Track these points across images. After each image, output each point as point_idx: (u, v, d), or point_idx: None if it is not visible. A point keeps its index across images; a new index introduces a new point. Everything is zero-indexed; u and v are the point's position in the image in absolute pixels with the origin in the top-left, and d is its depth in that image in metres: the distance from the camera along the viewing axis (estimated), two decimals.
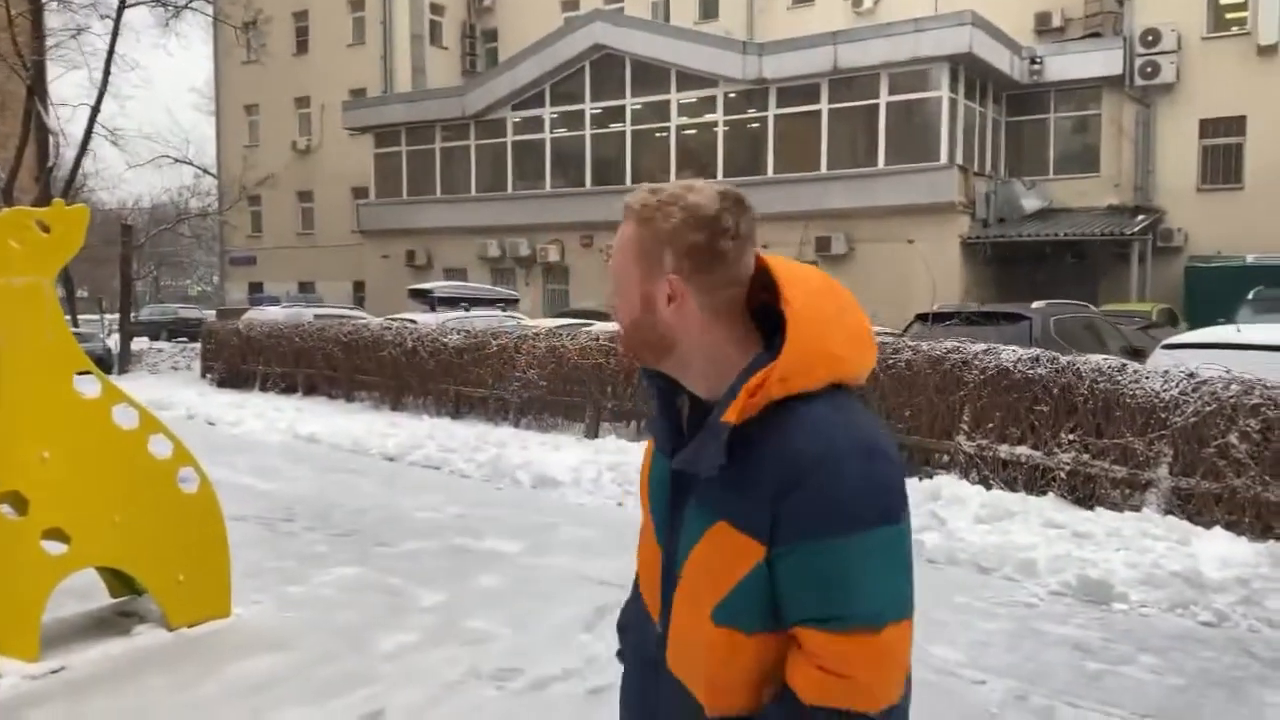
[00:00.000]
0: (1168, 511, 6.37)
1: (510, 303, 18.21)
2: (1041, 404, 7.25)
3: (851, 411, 1.24)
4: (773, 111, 23.42)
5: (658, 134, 25.16)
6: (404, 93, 31.39)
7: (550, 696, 3.95)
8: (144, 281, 40.78)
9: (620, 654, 1.59)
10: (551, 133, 26.71)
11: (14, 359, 4.32)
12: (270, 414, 12.89)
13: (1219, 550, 5.45)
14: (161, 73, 47.59)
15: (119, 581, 5.10)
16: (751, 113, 23.89)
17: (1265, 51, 21.17)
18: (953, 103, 21.34)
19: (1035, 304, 9.86)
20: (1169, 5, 22.00)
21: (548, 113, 26.73)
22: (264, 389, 15.99)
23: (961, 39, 20.66)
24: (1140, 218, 21.68)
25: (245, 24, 27.62)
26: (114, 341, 24.77)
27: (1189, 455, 6.50)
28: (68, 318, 20.55)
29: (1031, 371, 7.33)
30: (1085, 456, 6.95)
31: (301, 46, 35.72)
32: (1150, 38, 21.98)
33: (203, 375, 18.34)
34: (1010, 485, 7.24)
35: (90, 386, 4.62)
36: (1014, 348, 7.64)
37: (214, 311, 32.30)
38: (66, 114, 43.70)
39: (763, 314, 1.32)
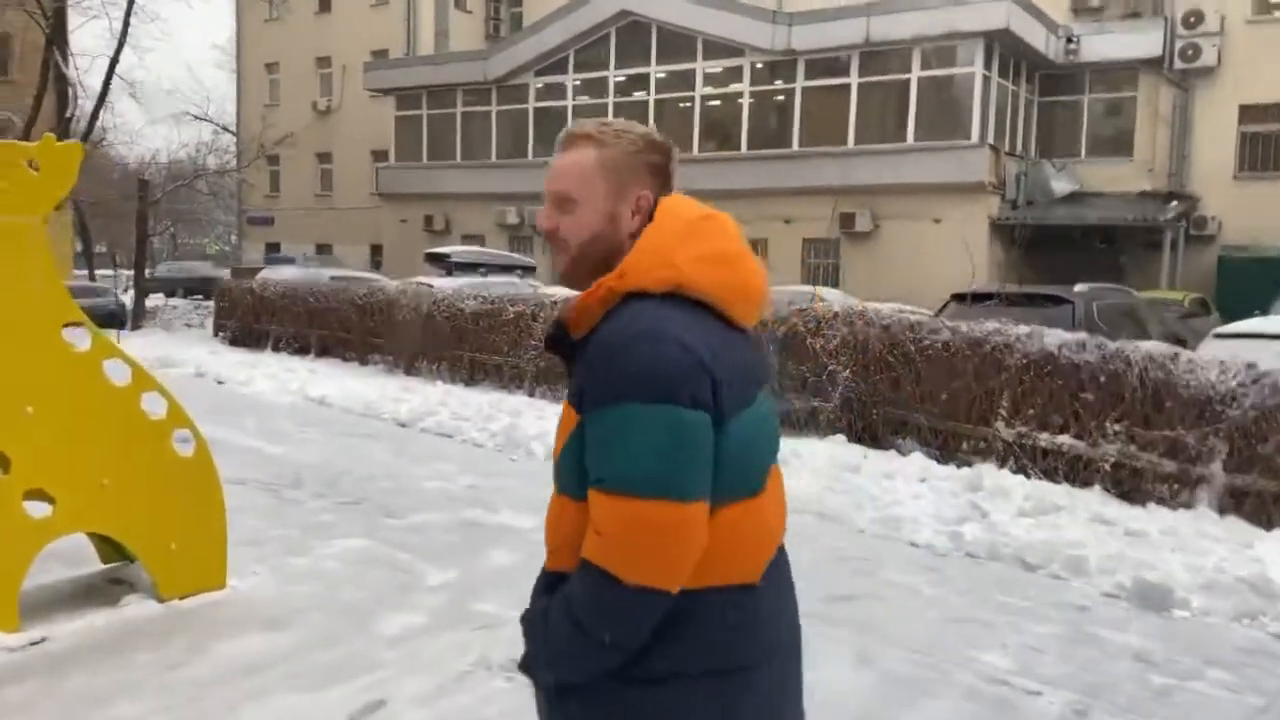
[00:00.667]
0: (1222, 510, 6.00)
1: (527, 269, 17.87)
2: (1087, 391, 6.87)
3: (671, 314, 1.36)
4: (800, 84, 22.87)
5: (682, 104, 24.64)
6: (427, 55, 30.92)
7: None
8: (161, 238, 40.53)
9: None
10: (574, 100, 26.22)
11: None
12: (281, 375, 12.62)
13: None
14: (183, 28, 47.22)
15: (109, 547, 4.81)
16: (778, 84, 23.34)
17: None
18: (986, 80, 20.77)
19: (1077, 287, 9.47)
20: None
21: (571, 79, 26.23)
22: (276, 349, 15.72)
23: (999, 14, 20.05)
24: (1174, 204, 21.11)
25: None
26: (128, 297, 24.56)
27: (1245, 451, 6.13)
28: (83, 271, 20.36)
29: (1078, 357, 6.95)
30: (1132, 448, 6.58)
31: (324, 5, 35.20)
32: (1192, 19, 21.32)
33: (215, 333, 18.08)
34: (1049, 475, 6.89)
35: (80, 339, 4.30)
36: (1058, 331, 7.26)
37: (229, 270, 32.03)
38: (85, 64, 43.37)
39: None
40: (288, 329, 15.82)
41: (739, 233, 1.51)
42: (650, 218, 1.46)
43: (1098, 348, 6.91)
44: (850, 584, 4.96)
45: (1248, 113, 21.32)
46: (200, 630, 4.16)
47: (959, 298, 9.55)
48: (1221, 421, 6.22)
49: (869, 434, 8.01)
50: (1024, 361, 7.19)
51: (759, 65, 23.32)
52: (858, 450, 7.35)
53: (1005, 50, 21.15)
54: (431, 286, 14.25)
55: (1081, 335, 7.09)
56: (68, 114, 24.03)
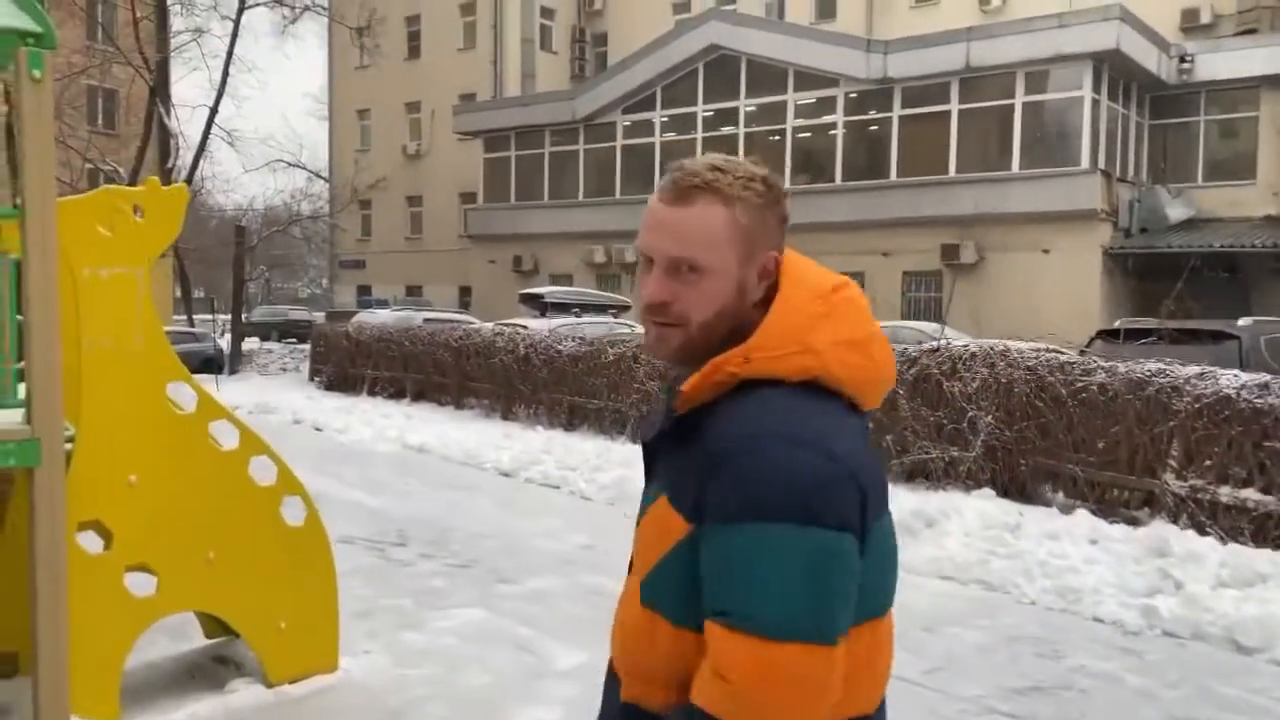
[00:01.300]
0: None
1: (622, 309, 17.48)
2: (1273, 439, 6.10)
3: (812, 409, 1.15)
4: (897, 112, 22.23)
5: (772, 137, 24.18)
6: (514, 97, 31.11)
7: None
8: (256, 283, 41.47)
9: None
10: (661, 136, 25.98)
11: (99, 365, 3.66)
12: (379, 421, 12.38)
13: None
14: (277, 78, 48.62)
15: (214, 621, 4.43)
16: (874, 114, 22.75)
17: None
18: (1095, 103, 19.87)
19: (1242, 320, 8.65)
20: None
21: (658, 116, 26.02)
22: (372, 394, 15.58)
23: (1108, 35, 19.20)
24: None
25: (359, 28, 27.63)
26: (225, 342, 24.93)
27: None
28: (182, 317, 20.65)
29: (1261, 400, 6.19)
30: None
31: (413, 51, 35.80)
32: None
33: (311, 378, 18.09)
34: (1232, 535, 6.12)
35: (186, 400, 3.95)
36: (1235, 372, 6.51)
37: (323, 314, 32.47)
38: (185, 115, 44.82)
39: None
40: (383, 373, 15.68)
41: (869, 306, 1.27)
42: (774, 281, 1.23)
43: None
44: (1037, 671, 4.32)
45: None
46: None
47: (1108, 334, 8.79)
48: None
49: (1015, 486, 7.32)
50: (1195, 406, 6.45)
51: (853, 95, 22.77)
52: (1011, 507, 6.66)
53: (1115, 72, 20.24)
54: (526, 328, 13.94)
55: (1264, 376, 6.34)
56: (169, 164, 24.62)
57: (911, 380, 7.94)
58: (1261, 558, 5.38)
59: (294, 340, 33.53)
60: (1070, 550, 5.61)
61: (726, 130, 24.78)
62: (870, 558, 1.15)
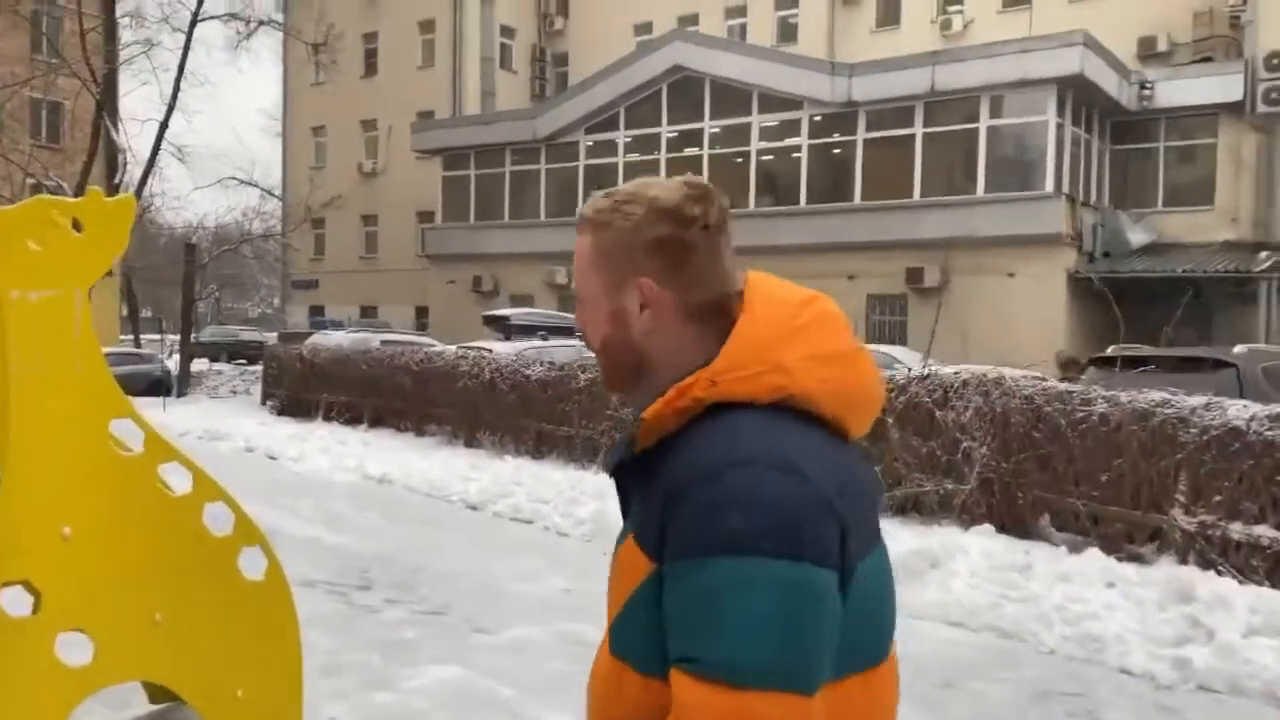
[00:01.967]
0: None
1: None
2: None
3: (786, 430, 1.05)
4: (862, 135, 22.15)
5: (737, 159, 24.00)
6: (474, 115, 30.69)
7: None
8: (206, 303, 40.46)
9: None
10: (625, 156, 25.70)
11: (27, 402, 3.18)
12: (335, 448, 11.84)
13: None
14: (230, 94, 47.73)
15: (161, 687, 3.94)
16: (838, 136, 22.66)
17: None
18: (1059, 128, 19.92)
19: (1237, 348, 8.47)
20: None
21: (621, 136, 25.74)
22: (328, 419, 14.99)
23: (1072, 61, 19.28)
24: (1264, 254, 19.97)
25: (316, 44, 27.07)
26: (174, 363, 24.12)
27: None
28: (128, 337, 19.93)
29: (1272, 433, 5.94)
30: None
31: (370, 68, 35.25)
32: (1276, 61, 20.38)
33: (263, 402, 17.43)
34: (1245, 574, 5.84)
35: (132, 438, 3.47)
36: (1245, 402, 6.26)
37: (275, 335, 31.68)
38: (134, 129, 43.85)
39: None
40: (339, 397, 15.11)
41: (847, 321, 1.17)
42: (666, 308, 1.15)
43: None
44: None
45: None
46: None
47: (1100, 362, 8.56)
48: None
49: (1014, 521, 7.01)
50: (1203, 438, 6.18)
51: (817, 118, 22.67)
52: (1016, 545, 6.35)
53: (1078, 97, 20.32)
54: (491, 351, 13.48)
55: (1276, 408, 6.09)
56: (116, 180, 23.83)
57: (901, 408, 7.62)
58: None
59: (244, 362, 32.69)
60: (1086, 594, 5.29)
61: (690, 152, 24.56)
62: (857, 599, 1.04)
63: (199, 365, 26.98)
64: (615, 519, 4.77)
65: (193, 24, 23.67)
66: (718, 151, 24.20)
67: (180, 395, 21.20)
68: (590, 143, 26.31)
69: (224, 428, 13.79)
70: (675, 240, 1.14)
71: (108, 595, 3.33)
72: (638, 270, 1.15)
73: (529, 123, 27.18)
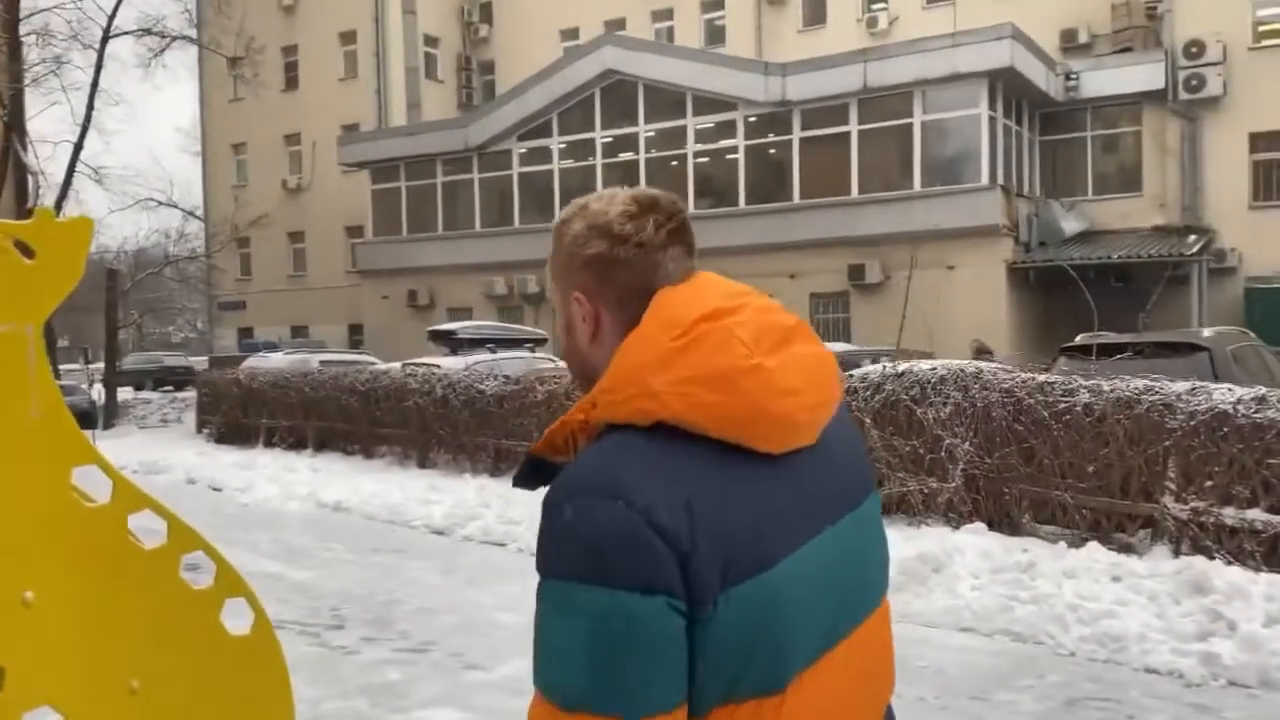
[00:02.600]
0: None
1: (538, 342, 16.71)
2: (1277, 455, 5.81)
3: (637, 455, 1.04)
4: (797, 134, 22.14)
5: (673, 162, 23.85)
6: (402, 126, 30.08)
7: None
8: (128, 329, 39.10)
9: None
10: (559, 163, 25.38)
11: None
12: (284, 476, 11.35)
13: None
14: (147, 113, 46.22)
15: None
16: (774, 136, 22.63)
17: None
18: (992, 120, 20.13)
19: (1205, 332, 8.49)
20: (1209, 16, 20.89)
21: (555, 143, 25.42)
22: (269, 445, 14.43)
23: (1002, 53, 19.49)
24: (1193, 238, 20.45)
25: (234, 58, 26.26)
26: (98, 393, 23.16)
27: None
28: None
29: (1260, 415, 5.90)
30: None
31: (291, 82, 34.36)
32: (1194, 49, 20.86)
33: (199, 430, 16.75)
34: (1240, 558, 5.79)
35: (97, 488, 3.11)
36: (1229, 386, 6.22)
37: (204, 359, 30.67)
38: (46, 151, 42.27)
39: None
40: (280, 422, 14.55)
41: (767, 330, 1.11)
42: (603, 322, 1.18)
43: None
44: None
45: (1258, 140, 20.81)
46: None
47: (1073, 351, 8.49)
48: None
49: (1002, 516, 6.90)
50: (1191, 423, 6.13)
51: (752, 118, 22.62)
52: (1013, 543, 6.21)
53: (1008, 90, 20.57)
54: (439, 367, 13.08)
55: (1260, 389, 6.06)
56: (29, 205, 22.80)
57: (878, 407, 7.47)
58: None
59: (170, 388, 31.63)
60: (1095, 589, 5.17)
61: (626, 156, 24.34)
62: (729, 625, 1.00)
63: (124, 394, 25.97)
64: None
65: (104, 41, 22.78)
66: (654, 155, 24.02)
67: (108, 427, 20.33)
68: (523, 150, 25.94)
69: (161, 459, 13.17)
70: (602, 258, 1.17)
71: (78, 664, 2.96)
72: (574, 284, 1.19)
73: (460, 132, 26.72)
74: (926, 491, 7.06)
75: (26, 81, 23.26)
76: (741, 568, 1.02)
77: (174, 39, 25.37)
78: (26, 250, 2.86)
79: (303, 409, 14.17)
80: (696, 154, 23.63)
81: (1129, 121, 22.26)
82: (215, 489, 11.21)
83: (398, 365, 13.98)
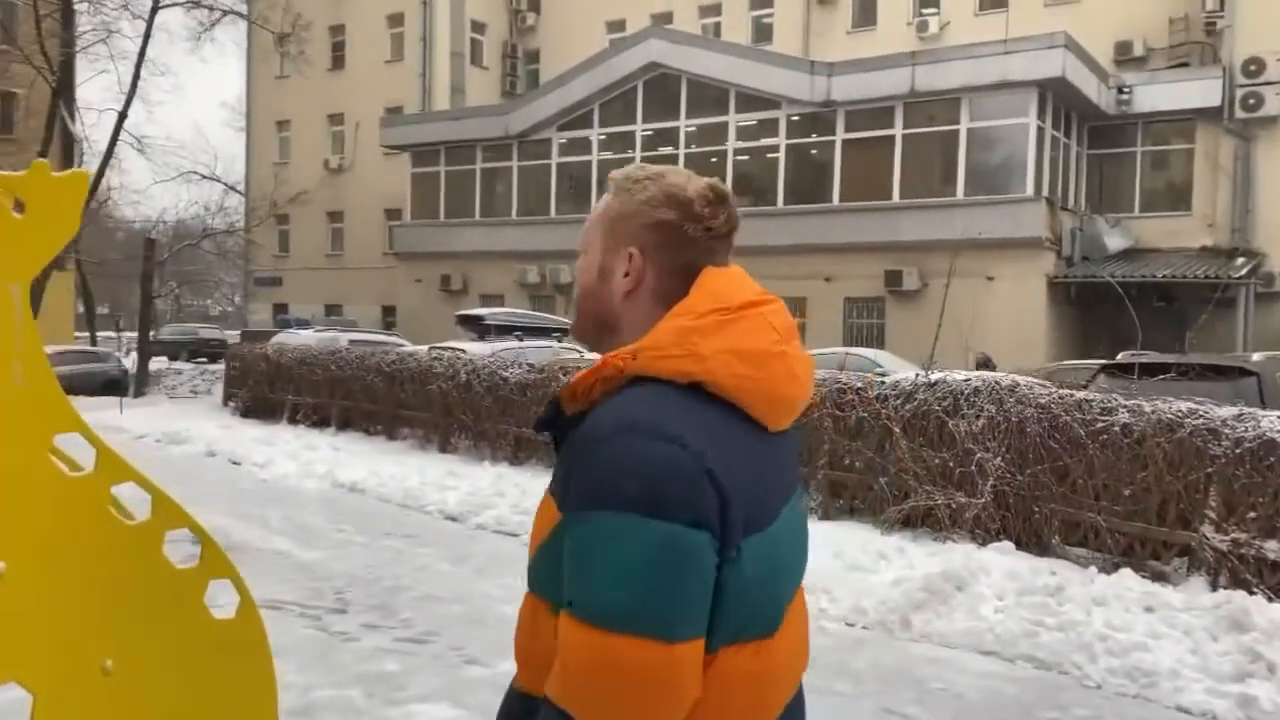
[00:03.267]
0: None
1: (565, 332, 16.58)
2: None
3: (684, 406, 1.14)
4: (840, 136, 21.84)
5: (713, 158, 23.60)
6: (445, 110, 30.09)
7: None
8: (165, 300, 39.42)
9: None
10: (598, 155, 25.23)
11: None
12: (304, 453, 11.28)
13: None
14: (193, 86, 46.70)
15: None
16: (816, 137, 22.35)
17: None
18: (1040, 131, 19.73)
19: (1255, 356, 8.18)
20: (1270, 34, 20.34)
21: (595, 134, 25.27)
22: (293, 421, 14.38)
23: (1054, 63, 19.09)
24: (1241, 260, 19.94)
25: (281, 35, 26.32)
26: (131, 362, 23.33)
27: None
28: (84, 335, 19.15)
29: None
30: None
31: (337, 62, 34.49)
32: (1253, 67, 20.34)
33: (225, 403, 16.77)
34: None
35: (79, 454, 2.98)
36: (1277, 414, 5.93)
37: (238, 333, 30.86)
38: (91, 119, 42.70)
39: None
40: (306, 399, 14.51)
41: (789, 327, 1.29)
42: (646, 282, 1.28)
43: None
44: None
45: None
46: None
47: (1114, 369, 8.22)
48: None
49: (1030, 536, 6.65)
50: (1236, 450, 5.85)
51: (795, 117, 22.34)
52: (1041, 564, 5.97)
53: (1058, 100, 20.17)
54: (465, 352, 12.97)
55: None
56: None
57: (909, 416, 7.24)
58: None
59: (205, 360, 31.87)
60: (1127, 619, 4.92)
61: (665, 150, 24.14)
62: (745, 572, 1.13)
63: (157, 364, 26.18)
64: None
65: (153, 11, 22.87)
66: (693, 150, 23.81)
67: (138, 395, 20.45)
68: (563, 140, 25.83)
69: (184, 430, 13.17)
70: (673, 227, 1.26)
71: (49, 640, 2.83)
72: (633, 239, 1.27)
73: (501, 119, 26.65)
74: (954, 506, 6.82)
75: (76, 48, 23.42)
76: (755, 522, 1.16)
77: (223, 14, 25.46)
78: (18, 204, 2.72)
79: (329, 387, 14.12)
80: (737, 151, 23.39)
81: (1181, 138, 21.75)
82: (234, 463, 11.17)
83: (424, 348, 13.90)
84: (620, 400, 1.15)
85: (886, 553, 6.44)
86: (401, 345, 15.78)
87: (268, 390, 15.34)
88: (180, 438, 12.69)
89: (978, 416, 6.93)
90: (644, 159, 24.31)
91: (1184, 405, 6.18)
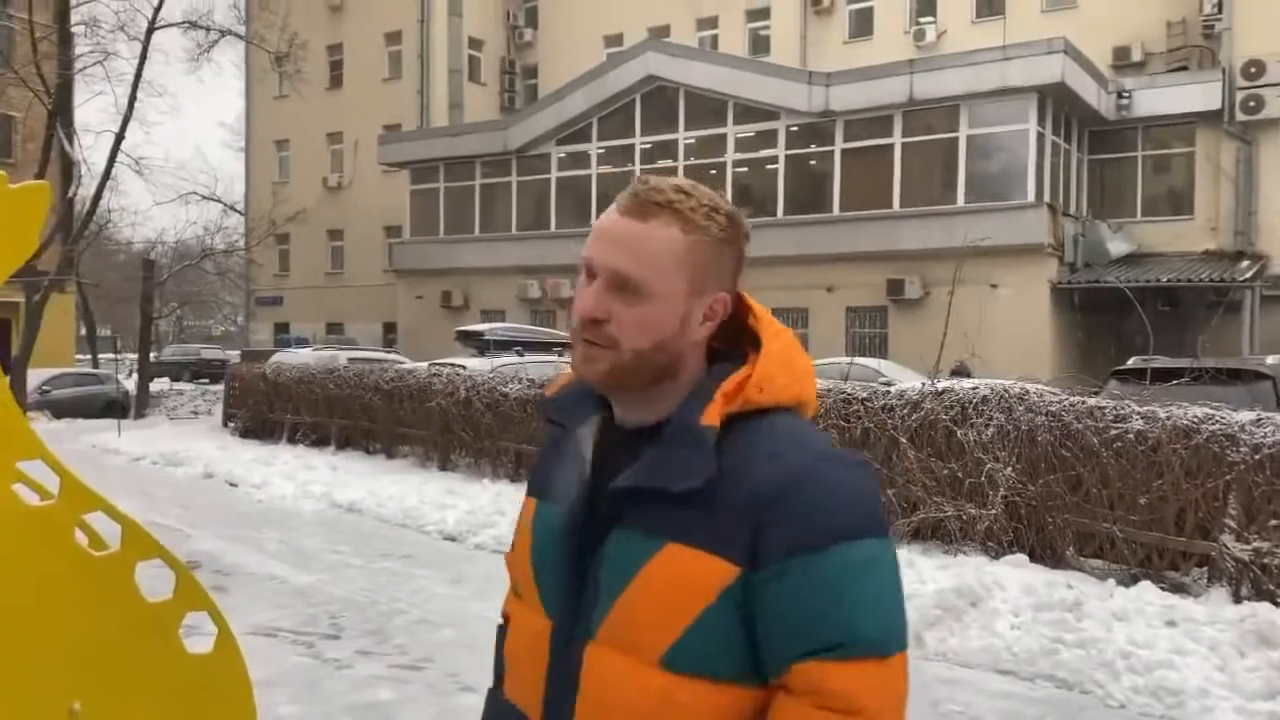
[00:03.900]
0: None
1: (567, 347, 16.43)
2: None
3: (816, 430, 1.18)
4: (839, 145, 21.72)
5: (712, 170, 23.49)
6: (443, 127, 30.05)
7: None
8: (167, 321, 39.37)
9: None
10: (597, 168, 25.13)
11: None
12: (301, 474, 11.12)
13: None
14: (191, 107, 46.71)
15: None
16: (815, 147, 22.23)
17: None
18: (1040, 137, 19.60)
19: (1269, 359, 8.01)
20: (1270, 36, 20.21)
21: (594, 148, 25.19)
22: (293, 441, 14.24)
23: (1053, 68, 18.98)
24: (1245, 263, 19.77)
25: (279, 55, 26.28)
26: (131, 383, 23.21)
27: None
28: (86, 357, 19.01)
29: None
30: None
31: (335, 81, 34.48)
32: (1254, 70, 20.20)
33: (224, 423, 16.63)
34: None
35: (42, 482, 2.82)
36: None
37: (239, 353, 30.76)
38: (89, 141, 42.69)
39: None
40: (304, 418, 14.36)
41: None
42: (720, 324, 1.18)
43: None
44: None
45: None
46: None
47: (1126, 374, 8.04)
48: None
49: (1044, 547, 6.47)
50: (1255, 457, 5.67)
51: (794, 128, 22.23)
52: (1057, 578, 5.78)
53: (1058, 106, 20.05)
54: (465, 368, 12.82)
55: None
56: (70, 193, 22.91)
57: (915, 427, 7.07)
58: None
59: (206, 381, 31.78)
60: (1149, 635, 4.74)
61: (665, 163, 24.04)
62: None
63: (159, 385, 26.07)
64: None
65: (149, 32, 22.84)
66: (693, 163, 23.70)
67: (138, 417, 20.34)
68: (562, 154, 25.75)
69: (182, 452, 13.02)
70: (741, 259, 1.18)
71: (10, 682, 2.67)
72: (722, 282, 1.15)
73: (499, 134, 26.58)
74: (965, 518, 6.64)
75: (73, 71, 23.38)
76: None
77: (220, 34, 25.44)
78: None
79: (327, 406, 13.97)
80: (736, 163, 23.29)
81: (1182, 142, 21.62)
82: (231, 484, 11.01)
83: (423, 365, 13.75)
84: (784, 434, 1.10)
85: None
86: (401, 362, 15.62)
87: (267, 410, 15.20)
88: (178, 459, 12.54)
89: (986, 425, 6.76)
90: (643, 172, 24.19)
91: (1200, 410, 6.01)
